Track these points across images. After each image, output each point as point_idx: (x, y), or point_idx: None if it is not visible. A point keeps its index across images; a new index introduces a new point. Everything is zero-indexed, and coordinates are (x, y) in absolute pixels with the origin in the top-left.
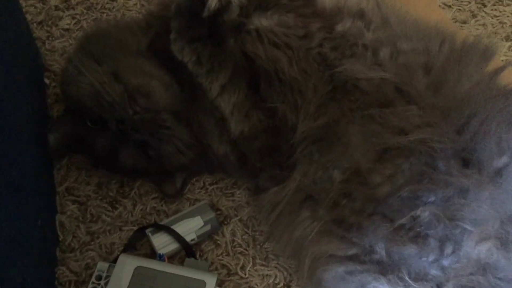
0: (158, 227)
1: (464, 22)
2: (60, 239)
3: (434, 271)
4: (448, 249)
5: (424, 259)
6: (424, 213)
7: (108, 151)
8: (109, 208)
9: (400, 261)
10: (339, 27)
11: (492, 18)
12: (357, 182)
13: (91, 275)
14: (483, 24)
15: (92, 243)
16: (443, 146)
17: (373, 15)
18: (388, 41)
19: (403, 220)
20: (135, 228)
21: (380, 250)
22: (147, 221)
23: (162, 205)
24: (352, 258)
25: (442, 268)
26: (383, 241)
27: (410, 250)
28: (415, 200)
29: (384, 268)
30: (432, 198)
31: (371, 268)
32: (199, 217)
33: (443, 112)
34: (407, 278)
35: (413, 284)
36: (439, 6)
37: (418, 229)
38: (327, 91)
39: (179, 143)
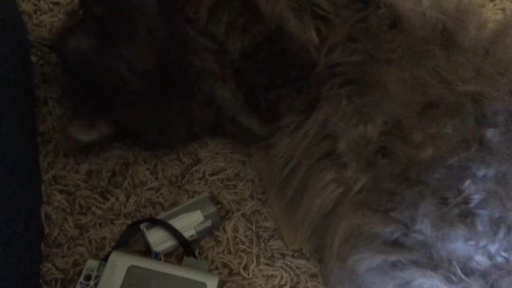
0: (154, 222)
1: (482, 6)
2: (45, 233)
3: (479, 258)
4: (501, 233)
5: (471, 243)
6: (474, 188)
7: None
8: (100, 199)
9: (445, 244)
10: None
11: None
12: (398, 137)
13: (79, 273)
14: (502, 9)
15: (81, 237)
16: (499, 105)
17: None
18: None
19: (449, 194)
20: (129, 221)
21: (426, 230)
22: (142, 214)
23: (158, 197)
24: (393, 243)
25: (490, 256)
26: (429, 219)
27: (459, 231)
28: (463, 171)
29: (430, 257)
30: (483, 171)
31: (417, 257)
32: (199, 211)
33: (499, 64)
34: (460, 273)
35: (465, 279)
36: None
37: (465, 207)
38: (358, 20)
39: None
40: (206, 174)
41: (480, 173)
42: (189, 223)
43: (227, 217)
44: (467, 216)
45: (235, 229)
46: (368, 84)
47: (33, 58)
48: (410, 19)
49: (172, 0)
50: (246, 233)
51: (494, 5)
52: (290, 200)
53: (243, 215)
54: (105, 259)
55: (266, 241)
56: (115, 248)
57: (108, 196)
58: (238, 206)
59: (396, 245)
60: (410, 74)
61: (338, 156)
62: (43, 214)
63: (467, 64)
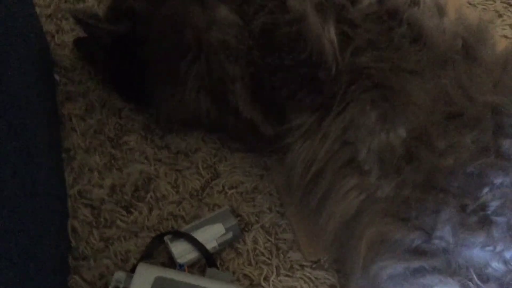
0: (177, 234)
1: (491, 21)
2: (72, 246)
3: (495, 264)
4: None
5: (489, 248)
6: (491, 195)
7: None
8: (124, 212)
9: (464, 250)
10: None
11: None
12: (423, 144)
13: (105, 285)
14: (510, 24)
15: (106, 250)
16: None
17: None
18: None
19: (469, 201)
20: (152, 234)
21: (447, 236)
22: (164, 227)
23: (179, 210)
24: (416, 250)
25: (505, 262)
26: (450, 224)
27: (477, 237)
28: (481, 178)
29: (449, 264)
30: (500, 179)
31: (437, 264)
32: (220, 223)
33: None
34: (476, 280)
35: (481, 286)
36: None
37: (483, 213)
38: (382, 31)
39: None
40: (226, 187)
41: (498, 180)
42: (211, 235)
43: (246, 229)
44: (485, 223)
45: (255, 241)
46: (393, 91)
47: (57, 77)
48: (433, 35)
49: None
50: (266, 245)
51: (503, 21)
52: (314, 208)
53: (262, 227)
54: (132, 270)
55: (285, 253)
56: (141, 260)
57: (132, 209)
58: (257, 219)
59: (418, 252)
60: (433, 85)
61: (360, 162)
62: (69, 228)
63: (486, 77)
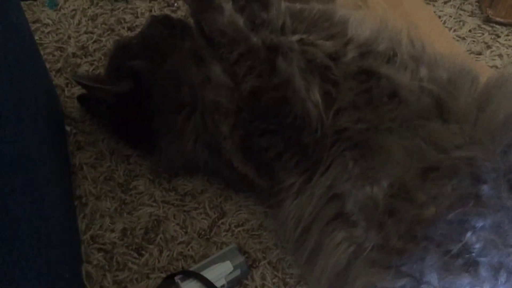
0: (187, 274)
1: (479, 53)
2: None
3: None
4: (502, 278)
5: None
6: (475, 239)
7: None
8: (135, 255)
9: None
10: (377, 47)
11: (507, 48)
12: (403, 198)
13: None
14: (499, 55)
15: None
16: (490, 165)
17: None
18: (427, 63)
19: (453, 246)
20: (163, 275)
21: (433, 281)
22: (174, 267)
23: (188, 250)
24: None
25: None
26: (435, 270)
27: (464, 279)
28: (463, 224)
29: None
30: (481, 223)
31: None
32: (228, 261)
33: (487, 131)
34: None
35: None
36: (453, 38)
37: (468, 256)
38: (362, 90)
39: None
40: (232, 226)
41: (479, 224)
42: (219, 273)
43: (254, 265)
44: (470, 265)
45: (263, 277)
46: (372, 149)
47: (67, 128)
48: (406, 92)
49: (212, 39)
50: (274, 280)
51: (491, 51)
52: (306, 260)
53: (269, 263)
54: None
55: (292, 287)
56: None
57: (143, 252)
58: (263, 255)
59: None
60: (409, 142)
61: (347, 216)
62: (84, 273)
63: (459, 132)
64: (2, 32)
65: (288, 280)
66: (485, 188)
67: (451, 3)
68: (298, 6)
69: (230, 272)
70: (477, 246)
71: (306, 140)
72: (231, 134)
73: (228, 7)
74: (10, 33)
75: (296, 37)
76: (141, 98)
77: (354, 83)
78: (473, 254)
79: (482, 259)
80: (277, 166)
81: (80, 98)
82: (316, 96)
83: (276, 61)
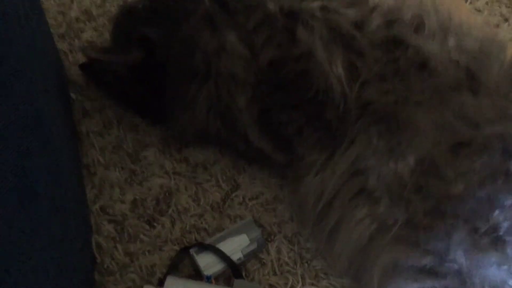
0: (203, 247)
1: (497, 26)
2: (97, 262)
3: None
4: None
5: (504, 267)
6: (502, 217)
7: None
8: (147, 227)
9: (479, 271)
10: (404, 15)
11: None
12: (431, 174)
13: None
14: None
15: (132, 265)
16: None
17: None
18: (454, 33)
19: (481, 224)
20: (176, 247)
21: (459, 258)
22: (187, 240)
23: (202, 223)
24: (428, 271)
25: None
26: (462, 248)
27: (491, 257)
28: (492, 202)
29: (463, 283)
30: (510, 201)
31: (450, 284)
32: (244, 234)
33: None
34: None
35: None
36: (470, 11)
37: (496, 234)
38: (390, 60)
39: None
40: (246, 198)
41: (508, 202)
42: (236, 246)
43: (269, 239)
44: (497, 243)
45: (278, 251)
46: (399, 123)
47: (73, 95)
48: (436, 62)
49: (227, 4)
50: (289, 255)
51: (509, 24)
52: (327, 236)
53: (284, 237)
54: (159, 284)
55: (309, 262)
56: (167, 273)
57: (155, 223)
58: (279, 229)
59: (431, 273)
60: (439, 115)
61: (370, 192)
62: (94, 244)
63: (491, 105)
64: None
65: (305, 254)
66: None
67: None
68: None
69: (247, 245)
70: (505, 224)
71: (329, 116)
72: (248, 108)
73: None
74: None
75: (317, 3)
76: (152, 66)
77: (380, 53)
78: (501, 232)
79: (509, 238)
80: (296, 142)
81: (83, 66)
82: (339, 68)
83: (296, 30)
